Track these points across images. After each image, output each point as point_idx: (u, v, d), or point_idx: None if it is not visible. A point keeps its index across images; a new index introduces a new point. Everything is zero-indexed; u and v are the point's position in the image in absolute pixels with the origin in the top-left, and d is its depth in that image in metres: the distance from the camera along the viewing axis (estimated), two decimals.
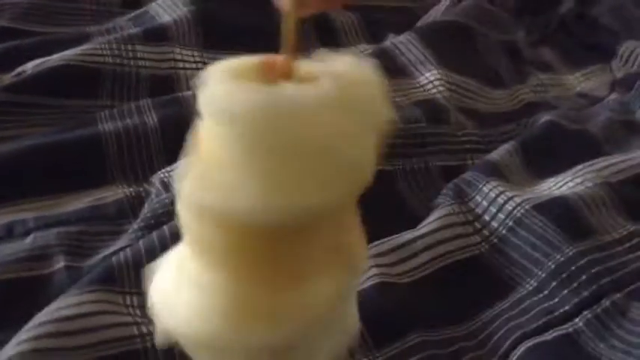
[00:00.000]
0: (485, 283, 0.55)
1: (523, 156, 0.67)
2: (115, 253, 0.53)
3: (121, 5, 0.88)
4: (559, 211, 0.58)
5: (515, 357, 0.50)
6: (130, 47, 0.76)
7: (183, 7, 0.82)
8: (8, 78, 0.73)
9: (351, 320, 0.34)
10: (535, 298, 0.53)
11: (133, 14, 0.85)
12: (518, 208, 0.58)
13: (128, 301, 0.49)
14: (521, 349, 0.50)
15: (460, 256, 0.56)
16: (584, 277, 0.53)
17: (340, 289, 0.30)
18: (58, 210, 0.61)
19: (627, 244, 0.57)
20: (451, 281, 0.55)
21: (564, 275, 0.54)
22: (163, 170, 0.65)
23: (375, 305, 0.50)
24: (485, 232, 0.58)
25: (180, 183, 0.29)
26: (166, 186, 0.62)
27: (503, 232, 0.58)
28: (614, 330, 0.51)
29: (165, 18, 0.81)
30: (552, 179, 0.64)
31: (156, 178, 0.64)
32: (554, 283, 0.54)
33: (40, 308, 0.47)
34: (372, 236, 0.52)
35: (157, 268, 0.33)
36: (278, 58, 0.30)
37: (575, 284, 0.53)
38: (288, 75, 0.29)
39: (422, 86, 0.75)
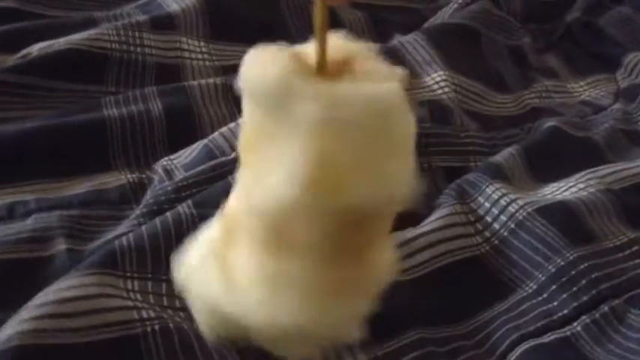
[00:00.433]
0: (485, 283, 0.55)
1: (526, 160, 0.68)
2: (117, 237, 0.53)
3: None
4: (561, 215, 0.58)
5: (513, 358, 0.50)
6: (137, 34, 0.76)
7: None
8: (13, 59, 0.72)
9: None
10: (534, 301, 0.54)
11: (140, 1, 0.85)
12: (521, 210, 0.58)
13: (129, 286, 0.48)
14: (519, 350, 0.50)
15: (461, 256, 0.57)
16: (583, 281, 0.54)
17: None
18: (60, 193, 0.60)
19: (627, 251, 0.57)
20: (451, 280, 0.55)
21: (564, 279, 0.54)
22: (166, 158, 0.65)
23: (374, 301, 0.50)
24: (487, 234, 0.58)
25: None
26: (169, 173, 0.62)
27: (505, 233, 0.58)
28: (611, 335, 0.51)
29: (173, 7, 0.81)
30: (555, 184, 0.64)
31: (159, 165, 0.64)
32: (553, 287, 0.54)
33: (39, 289, 0.47)
34: None
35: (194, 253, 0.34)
36: (310, 49, 0.30)
37: (574, 289, 0.53)
38: (321, 65, 0.30)
39: (428, 86, 0.75)
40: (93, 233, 0.56)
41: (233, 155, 0.61)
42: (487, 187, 0.61)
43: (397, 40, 0.82)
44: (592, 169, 0.65)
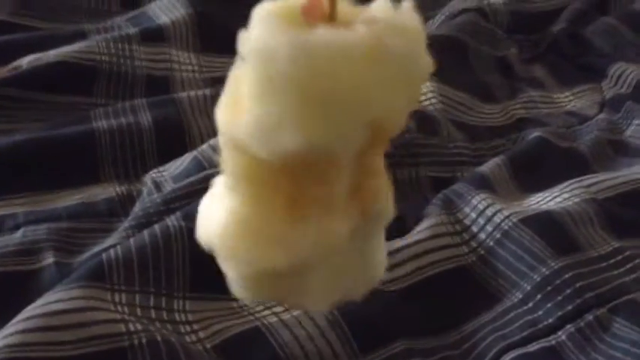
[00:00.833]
0: (471, 293, 0.56)
1: (512, 170, 0.68)
2: (105, 250, 0.53)
3: (119, 5, 0.88)
4: (546, 225, 0.59)
5: None
6: (126, 47, 0.76)
7: (181, 9, 0.82)
8: (3, 72, 0.73)
9: (374, 267, 0.35)
10: (520, 310, 0.54)
11: (131, 14, 0.85)
12: (506, 220, 0.59)
13: (117, 299, 0.49)
14: (506, 359, 0.51)
15: (447, 266, 0.57)
16: (568, 291, 0.54)
17: (354, 231, 0.30)
18: (48, 205, 0.61)
19: (612, 261, 0.58)
20: (438, 290, 0.55)
21: (549, 288, 0.54)
22: (155, 170, 0.65)
23: (361, 311, 0.50)
24: (473, 244, 0.59)
25: (217, 115, 0.29)
26: (158, 185, 0.63)
27: (491, 243, 0.58)
28: (596, 344, 0.52)
29: (163, 19, 0.82)
30: (540, 194, 0.65)
31: (148, 178, 0.64)
32: (539, 296, 0.54)
33: (28, 302, 0.47)
34: None
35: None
36: (319, 1, 0.29)
37: (559, 298, 0.54)
38: (330, 17, 0.29)
39: None
40: (81, 246, 0.57)
41: None
42: (473, 197, 0.62)
43: None
44: (577, 179, 0.65)
